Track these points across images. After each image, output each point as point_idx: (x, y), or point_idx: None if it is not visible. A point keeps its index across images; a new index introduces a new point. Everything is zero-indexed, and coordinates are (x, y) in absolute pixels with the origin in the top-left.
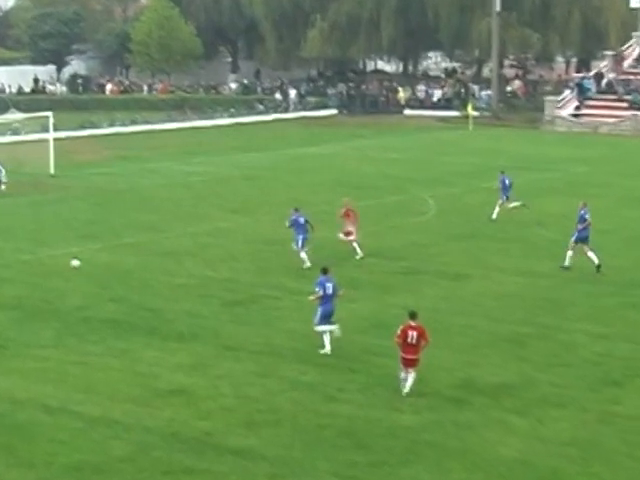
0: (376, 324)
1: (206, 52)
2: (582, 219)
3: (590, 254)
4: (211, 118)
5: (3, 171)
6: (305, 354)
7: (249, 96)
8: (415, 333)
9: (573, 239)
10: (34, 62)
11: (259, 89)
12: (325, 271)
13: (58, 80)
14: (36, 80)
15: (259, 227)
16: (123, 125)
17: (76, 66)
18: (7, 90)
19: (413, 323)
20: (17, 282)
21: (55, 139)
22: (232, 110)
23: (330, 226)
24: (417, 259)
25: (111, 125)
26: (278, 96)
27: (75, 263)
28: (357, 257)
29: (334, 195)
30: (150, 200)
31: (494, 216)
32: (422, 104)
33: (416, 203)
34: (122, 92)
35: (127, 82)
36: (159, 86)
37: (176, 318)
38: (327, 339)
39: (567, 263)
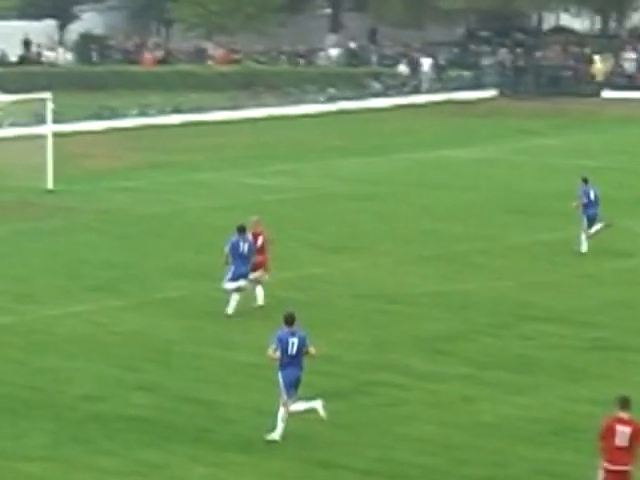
0: (557, 429)
1: (292, 1)
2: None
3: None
4: (298, 103)
5: None
6: (445, 476)
7: (358, 69)
8: (628, 430)
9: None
10: (24, 15)
11: (374, 58)
12: (289, 320)
13: (61, 43)
14: (27, 43)
15: (374, 275)
16: (160, 114)
17: (89, 22)
18: None
19: (624, 416)
20: None
21: (55, 134)
22: (331, 91)
23: (486, 274)
24: (620, 327)
25: (141, 114)
26: (404, 68)
27: None
28: (255, 305)
29: (493, 225)
30: (199, 231)
31: (583, 249)
32: (632, 82)
33: (621, 238)
34: (159, 62)
35: (166, 47)
36: (217, 53)
37: (239, 416)
38: (281, 419)
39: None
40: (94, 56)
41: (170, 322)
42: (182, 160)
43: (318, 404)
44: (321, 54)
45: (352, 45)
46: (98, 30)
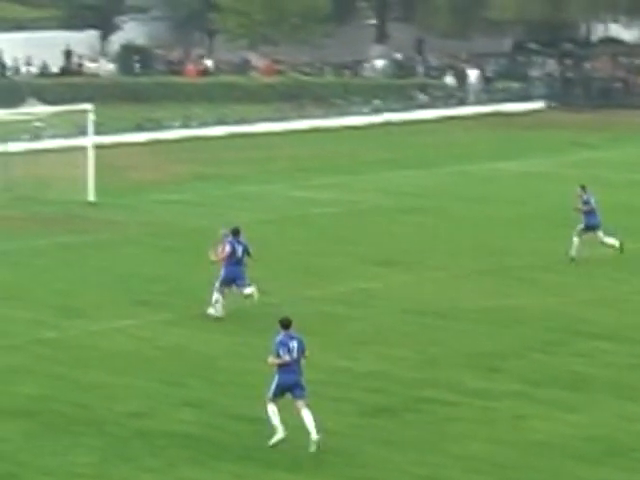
0: (611, 448)
1: (337, 11)
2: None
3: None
4: (344, 115)
5: None
6: None
7: (405, 80)
8: None
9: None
10: (65, 26)
11: (421, 69)
12: (286, 324)
13: (103, 54)
14: (68, 53)
15: (424, 289)
16: (203, 125)
17: (131, 32)
18: (23, 69)
19: None
20: (35, 374)
21: (97, 146)
22: (377, 102)
23: (540, 289)
24: None
25: (185, 125)
26: (450, 80)
27: None
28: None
29: (545, 239)
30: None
31: (573, 253)
32: None
33: None
34: (202, 74)
35: (210, 58)
36: (262, 64)
37: (288, 434)
38: (273, 416)
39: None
40: (136, 67)
41: (216, 337)
42: (227, 172)
43: (315, 439)
44: (366, 65)
45: (398, 56)
46: (140, 41)
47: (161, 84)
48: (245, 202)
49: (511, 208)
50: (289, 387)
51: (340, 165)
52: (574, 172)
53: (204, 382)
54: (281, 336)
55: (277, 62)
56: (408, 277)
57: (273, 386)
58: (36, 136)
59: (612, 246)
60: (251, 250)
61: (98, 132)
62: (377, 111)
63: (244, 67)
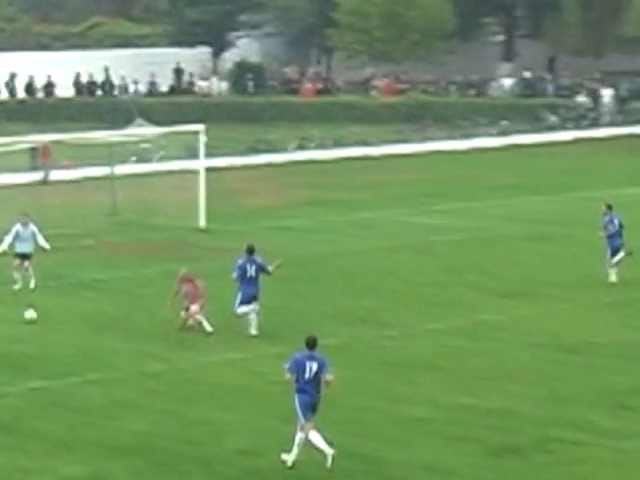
0: None
1: (462, 27)
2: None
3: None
4: (469, 136)
5: (39, 235)
6: None
7: (534, 100)
8: None
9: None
10: (175, 42)
11: (551, 88)
12: (311, 344)
13: (214, 72)
14: (178, 71)
15: (552, 322)
16: (320, 148)
17: (245, 49)
18: (131, 88)
19: None
20: (142, 409)
21: (208, 169)
22: (504, 123)
23: None
24: None
25: (301, 147)
26: (583, 99)
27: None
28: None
29: None
30: (363, 274)
31: (613, 279)
32: None
33: None
34: (319, 93)
35: (327, 76)
36: (382, 83)
37: (406, 475)
38: (297, 444)
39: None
40: (250, 86)
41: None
42: (344, 197)
43: (330, 452)
44: (493, 84)
45: (527, 74)
46: (254, 58)
47: (276, 104)
48: (363, 229)
49: None
50: (311, 406)
51: (464, 190)
52: None
53: (318, 418)
54: (300, 354)
55: (398, 81)
56: (535, 309)
57: (298, 410)
58: (143, 159)
59: (621, 260)
60: (269, 268)
61: (209, 154)
62: (504, 133)
63: (363, 86)
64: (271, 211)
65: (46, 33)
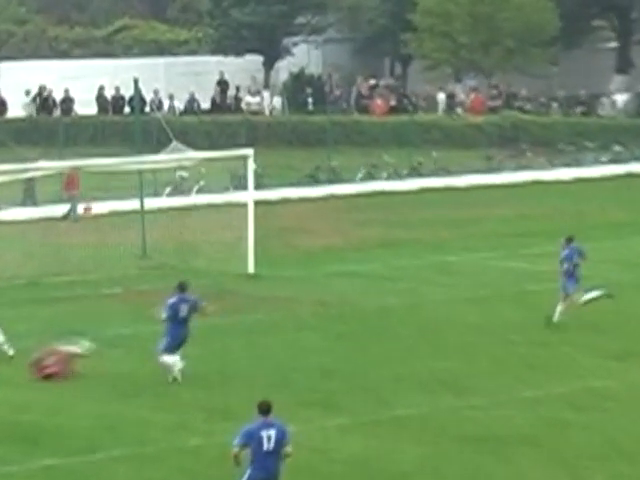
0: None
1: (566, 32)
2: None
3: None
4: (574, 164)
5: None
6: None
7: None
8: None
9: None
10: (219, 49)
11: None
12: (265, 409)
13: (266, 85)
14: (223, 85)
15: None
16: (394, 177)
17: (302, 58)
18: (165, 104)
19: None
20: None
21: (258, 202)
22: (617, 149)
23: None
24: None
25: (370, 177)
26: None
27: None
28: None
29: None
30: (443, 330)
31: (556, 317)
32: None
33: None
34: (393, 110)
35: (402, 90)
36: (469, 99)
37: None
38: None
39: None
40: (309, 102)
41: (406, 447)
42: (422, 237)
43: None
44: (604, 100)
45: None
46: (314, 69)
47: (340, 124)
48: (445, 275)
49: None
50: None
51: (567, 228)
52: None
53: None
54: (253, 424)
55: (489, 97)
56: None
57: None
58: (180, 190)
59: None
60: (202, 304)
61: (260, 185)
62: (617, 160)
63: (446, 102)
64: (333, 253)
65: (64, 37)
